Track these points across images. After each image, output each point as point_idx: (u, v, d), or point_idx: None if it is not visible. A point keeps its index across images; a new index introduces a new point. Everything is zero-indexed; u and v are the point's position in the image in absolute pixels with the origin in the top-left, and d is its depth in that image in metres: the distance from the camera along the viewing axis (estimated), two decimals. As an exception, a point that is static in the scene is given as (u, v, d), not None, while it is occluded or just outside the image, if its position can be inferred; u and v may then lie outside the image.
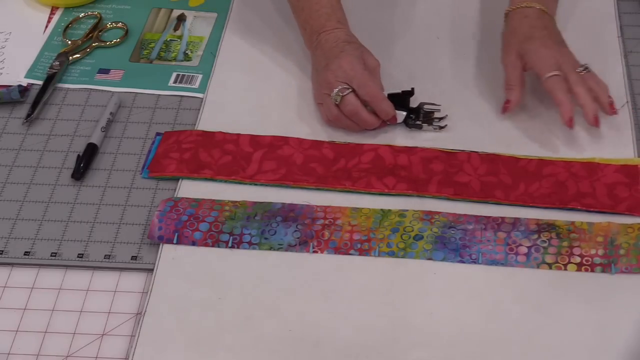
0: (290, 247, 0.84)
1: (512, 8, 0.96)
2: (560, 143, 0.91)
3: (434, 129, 0.93)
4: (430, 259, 0.82)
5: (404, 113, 0.93)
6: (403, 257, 0.82)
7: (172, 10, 1.11)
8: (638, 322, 0.77)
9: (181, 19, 1.09)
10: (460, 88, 0.98)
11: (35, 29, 1.09)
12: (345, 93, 0.90)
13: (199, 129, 0.95)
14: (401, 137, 0.93)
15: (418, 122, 0.93)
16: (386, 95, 0.92)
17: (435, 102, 0.95)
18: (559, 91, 0.89)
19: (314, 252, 0.83)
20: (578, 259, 0.81)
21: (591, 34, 1.03)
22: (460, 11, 1.08)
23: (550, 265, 0.81)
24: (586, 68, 0.91)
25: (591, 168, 0.88)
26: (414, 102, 0.94)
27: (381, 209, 0.86)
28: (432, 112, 0.94)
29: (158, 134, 0.95)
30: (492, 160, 0.90)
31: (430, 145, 0.91)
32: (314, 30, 0.95)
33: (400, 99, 0.94)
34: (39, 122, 0.97)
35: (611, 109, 0.90)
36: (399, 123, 0.93)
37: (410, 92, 0.94)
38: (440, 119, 0.94)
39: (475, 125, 0.94)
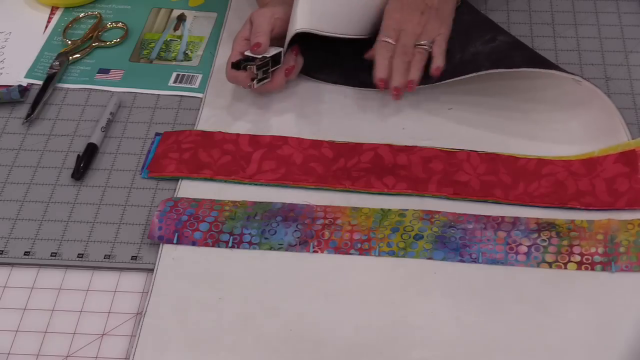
0: (290, 247, 0.84)
1: None
2: (559, 142, 0.91)
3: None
4: (430, 258, 0.82)
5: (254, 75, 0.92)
6: (403, 256, 0.82)
7: (172, 10, 1.11)
8: (638, 321, 0.77)
9: (181, 19, 1.09)
10: (459, 87, 0.98)
11: (35, 29, 1.09)
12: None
13: (198, 128, 0.95)
14: (400, 138, 0.93)
15: (263, 77, 0.93)
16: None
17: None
18: (380, 55, 0.92)
19: (314, 252, 0.83)
20: (578, 258, 0.81)
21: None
22: None
23: (550, 264, 0.81)
24: (429, 44, 0.92)
25: (590, 165, 0.88)
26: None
27: (381, 209, 0.86)
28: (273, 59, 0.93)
29: (157, 134, 0.95)
30: (492, 159, 0.90)
31: (430, 144, 0.91)
32: None
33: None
34: (39, 122, 0.97)
35: (394, 91, 0.92)
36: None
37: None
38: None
39: (474, 125, 0.94)
